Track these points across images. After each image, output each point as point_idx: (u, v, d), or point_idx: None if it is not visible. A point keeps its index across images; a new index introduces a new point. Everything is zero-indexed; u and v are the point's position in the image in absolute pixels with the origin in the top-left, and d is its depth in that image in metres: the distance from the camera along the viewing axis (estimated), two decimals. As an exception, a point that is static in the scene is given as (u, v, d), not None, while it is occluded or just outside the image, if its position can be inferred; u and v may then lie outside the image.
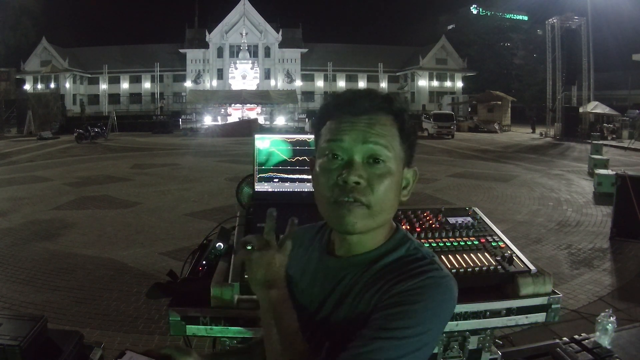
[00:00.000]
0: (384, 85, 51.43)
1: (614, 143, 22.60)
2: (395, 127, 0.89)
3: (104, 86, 48.55)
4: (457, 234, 1.73)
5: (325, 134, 0.90)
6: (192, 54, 49.56)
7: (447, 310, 0.83)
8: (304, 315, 0.94)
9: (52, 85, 40.61)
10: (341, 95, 0.93)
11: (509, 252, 1.65)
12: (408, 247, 0.92)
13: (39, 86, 41.62)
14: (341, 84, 51.42)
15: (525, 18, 60.27)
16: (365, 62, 50.82)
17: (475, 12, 65.20)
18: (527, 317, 1.54)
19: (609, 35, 35.63)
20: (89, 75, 49.31)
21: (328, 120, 0.91)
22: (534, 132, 32.18)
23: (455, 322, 1.47)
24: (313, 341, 0.88)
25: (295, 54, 50.49)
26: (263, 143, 1.92)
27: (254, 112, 35.32)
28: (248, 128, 24.77)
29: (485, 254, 1.63)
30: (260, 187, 1.94)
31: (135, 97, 50.52)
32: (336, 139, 0.87)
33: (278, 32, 49.46)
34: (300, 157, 1.92)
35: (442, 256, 1.60)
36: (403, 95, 52.97)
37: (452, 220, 1.82)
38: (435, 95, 50.10)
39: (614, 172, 7.64)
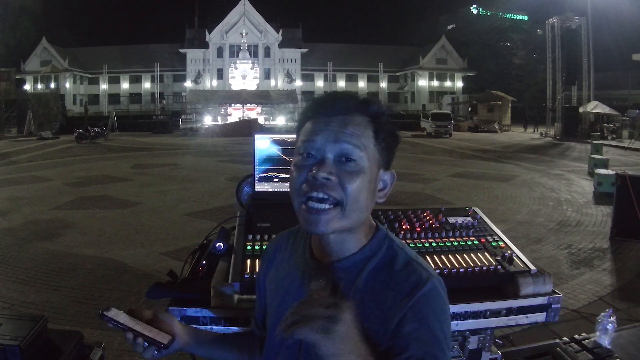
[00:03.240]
0: (384, 85, 51.45)
1: (614, 143, 22.61)
2: (370, 129, 0.89)
3: (104, 86, 48.59)
4: (457, 234, 1.72)
5: (302, 135, 0.92)
6: (192, 54, 49.60)
7: (449, 310, 0.88)
8: None
9: (52, 85, 40.65)
10: (320, 97, 0.95)
11: (509, 252, 1.65)
12: (391, 247, 0.93)
13: (39, 86, 41.67)
14: (341, 84, 51.42)
15: (525, 18, 60.24)
16: (365, 62, 50.82)
17: (475, 12, 65.19)
18: (527, 317, 1.54)
19: (609, 35, 35.61)
20: (89, 75, 49.38)
21: (306, 122, 0.93)
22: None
23: (455, 322, 1.47)
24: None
25: (295, 54, 50.52)
26: (263, 143, 1.91)
27: (254, 112, 35.32)
28: (248, 128, 24.75)
29: (485, 253, 1.63)
30: (260, 187, 1.94)
31: (135, 97, 50.59)
32: (310, 139, 0.89)
33: (278, 32, 49.49)
34: (301, 157, 1.92)
35: (442, 256, 1.60)
36: (403, 95, 53.08)
37: (452, 220, 1.81)
38: (435, 95, 50.13)
39: (614, 172, 7.64)
